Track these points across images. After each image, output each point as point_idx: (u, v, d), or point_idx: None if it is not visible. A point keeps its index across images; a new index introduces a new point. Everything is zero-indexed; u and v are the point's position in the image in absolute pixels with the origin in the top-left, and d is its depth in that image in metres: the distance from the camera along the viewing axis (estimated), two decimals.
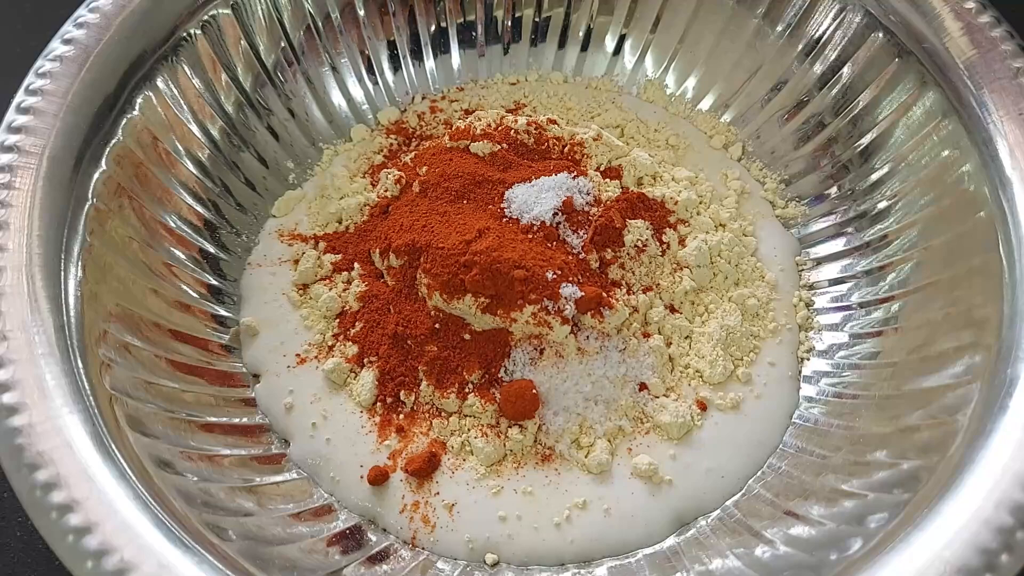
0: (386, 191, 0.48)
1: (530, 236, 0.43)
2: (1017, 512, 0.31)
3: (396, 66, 0.55)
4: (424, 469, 0.41)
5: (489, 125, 0.49)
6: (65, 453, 0.32)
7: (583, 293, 0.42)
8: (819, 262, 0.48)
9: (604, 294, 0.42)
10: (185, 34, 0.46)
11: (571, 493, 0.40)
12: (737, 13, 0.53)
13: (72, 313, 0.37)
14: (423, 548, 0.40)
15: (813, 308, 0.47)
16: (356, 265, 0.47)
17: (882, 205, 0.46)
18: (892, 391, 0.40)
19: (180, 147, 0.46)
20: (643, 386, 0.43)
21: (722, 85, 0.54)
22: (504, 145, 0.48)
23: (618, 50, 0.57)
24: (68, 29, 0.43)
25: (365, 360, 0.44)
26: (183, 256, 0.45)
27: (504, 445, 0.41)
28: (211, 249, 0.47)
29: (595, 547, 0.39)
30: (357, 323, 0.45)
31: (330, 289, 0.46)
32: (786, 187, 0.51)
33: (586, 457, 0.41)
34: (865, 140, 0.48)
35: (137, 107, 0.44)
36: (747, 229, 0.49)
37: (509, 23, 0.57)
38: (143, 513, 0.32)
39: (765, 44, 0.52)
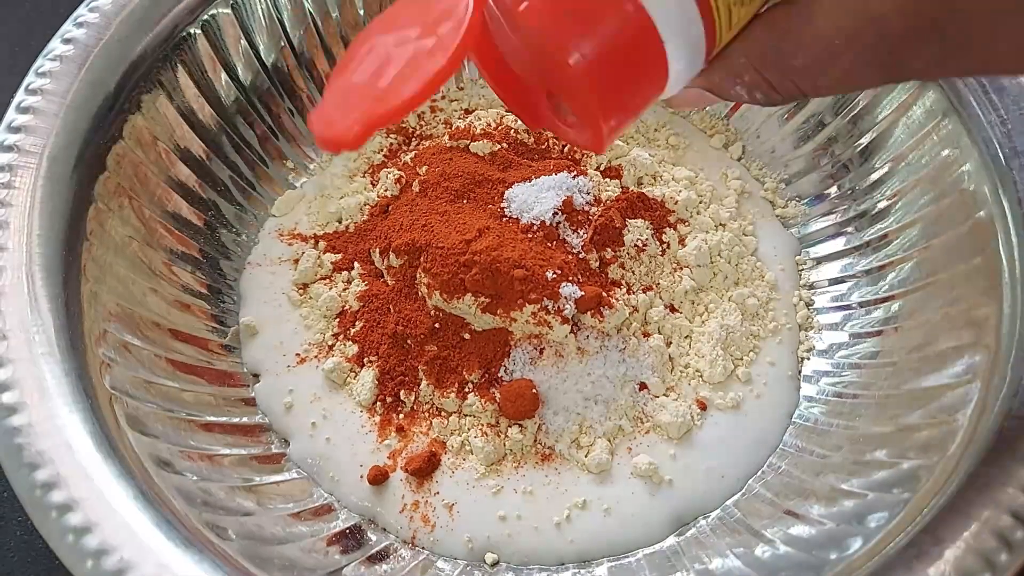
0: (386, 191, 0.48)
1: (530, 236, 0.43)
2: (1016, 511, 0.31)
3: None
4: (424, 469, 0.41)
5: (489, 124, 0.49)
6: (65, 452, 0.32)
7: (583, 293, 0.42)
8: (819, 261, 0.48)
9: (604, 294, 0.42)
10: (185, 34, 0.46)
11: (571, 493, 0.40)
12: None
13: (72, 313, 0.37)
14: (423, 548, 0.40)
15: (813, 308, 0.47)
16: (356, 264, 0.47)
17: (882, 204, 0.46)
18: (892, 390, 0.40)
19: (180, 147, 0.47)
20: (643, 386, 0.43)
21: None
22: (504, 144, 0.48)
23: None
24: (68, 28, 0.43)
25: (365, 359, 0.44)
26: (183, 256, 0.45)
27: (504, 445, 0.41)
28: (211, 249, 0.47)
29: (595, 547, 0.39)
30: (357, 322, 0.45)
31: (330, 289, 0.46)
32: (786, 186, 0.51)
33: (586, 457, 0.41)
34: (865, 139, 0.48)
35: (137, 107, 0.44)
36: (747, 229, 0.49)
37: None
38: (143, 512, 0.32)
39: None
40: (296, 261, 0.48)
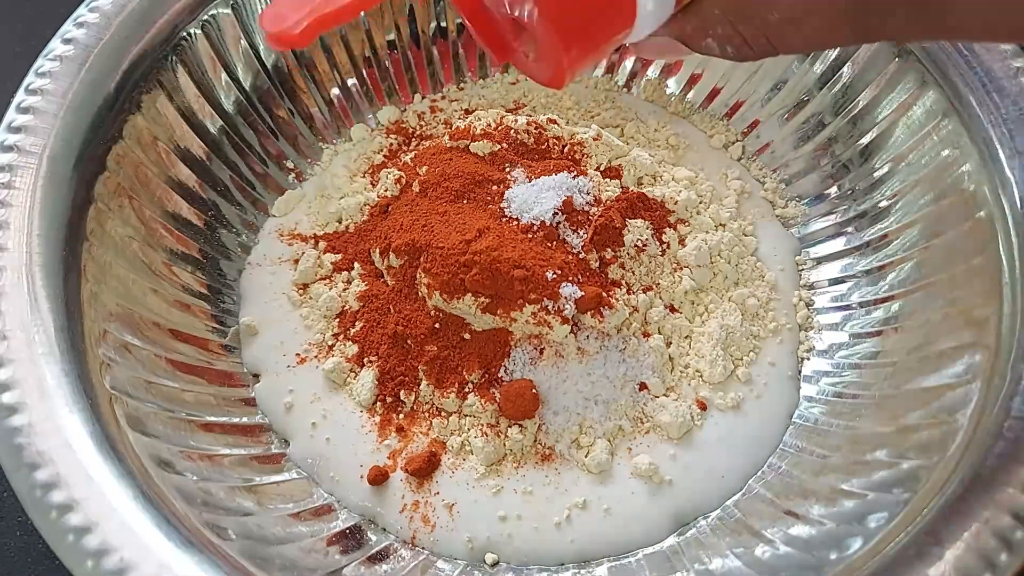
0: (386, 191, 0.48)
1: (530, 236, 0.43)
2: (1016, 511, 0.31)
3: (396, 65, 0.55)
4: (424, 469, 0.41)
5: (489, 125, 0.49)
6: (65, 453, 0.32)
7: (583, 293, 0.42)
8: (819, 262, 0.48)
9: (604, 294, 0.42)
10: (185, 34, 0.47)
11: (571, 493, 0.40)
12: None
13: (72, 313, 0.37)
14: (423, 548, 0.40)
15: (813, 308, 0.47)
16: (356, 265, 0.47)
17: (882, 204, 0.46)
18: (892, 391, 0.41)
19: (180, 147, 0.47)
20: (643, 386, 0.43)
21: (722, 85, 0.54)
22: (504, 145, 0.48)
23: (618, 48, 0.57)
24: (68, 29, 0.43)
25: (365, 360, 0.44)
26: (183, 256, 0.45)
27: (504, 445, 0.41)
28: (211, 249, 0.47)
29: (595, 547, 0.39)
30: (357, 323, 0.45)
31: (330, 289, 0.46)
32: (786, 187, 0.51)
33: (586, 457, 0.41)
34: (865, 140, 0.48)
35: (137, 107, 0.44)
36: (747, 229, 0.49)
37: None
38: (143, 512, 0.32)
39: None
40: (296, 261, 0.48)
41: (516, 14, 0.27)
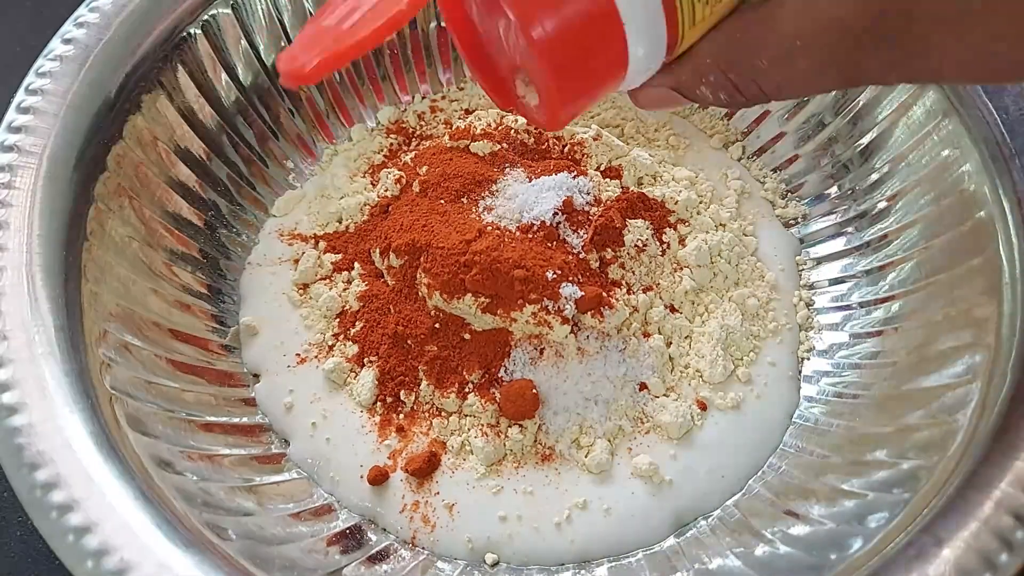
0: (386, 191, 0.48)
1: (530, 236, 0.43)
2: (1016, 511, 0.31)
3: (396, 65, 0.55)
4: (424, 469, 0.41)
5: (489, 125, 0.49)
6: (65, 453, 0.32)
7: (583, 293, 0.42)
8: (819, 262, 0.48)
9: (604, 294, 0.42)
10: (185, 34, 0.47)
11: (571, 493, 0.40)
12: None
13: (72, 313, 0.37)
14: (423, 548, 0.40)
15: (813, 308, 0.47)
16: (356, 265, 0.47)
17: (882, 205, 0.46)
18: (892, 391, 0.41)
19: (180, 147, 0.47)
20: (643, 386, 0.43)
21: None
22: (504, 145, 0.48)
23: None
24: (68, 29, 0.43)
25: (365, 360, 0.44)
26: (183, 256, 0.45)
27: (504, 445, 0.41)
28: (211, 249, 0.47)
29: (595, 547, 0.39)
30: (357, 323, 0.45)
31: (330, 289, 0.46)
32: (786, 186, 0.51)
33: (586, 457, 0.41)
34: (865, 140, 0.48)
35: (137, 107, 0.44)
36: (747, 229, 0.49)
37: None
38: (143, 512, 0.32)
39: None
40: (296, 261, 0.48)
41: (509, 47, 0.28)
